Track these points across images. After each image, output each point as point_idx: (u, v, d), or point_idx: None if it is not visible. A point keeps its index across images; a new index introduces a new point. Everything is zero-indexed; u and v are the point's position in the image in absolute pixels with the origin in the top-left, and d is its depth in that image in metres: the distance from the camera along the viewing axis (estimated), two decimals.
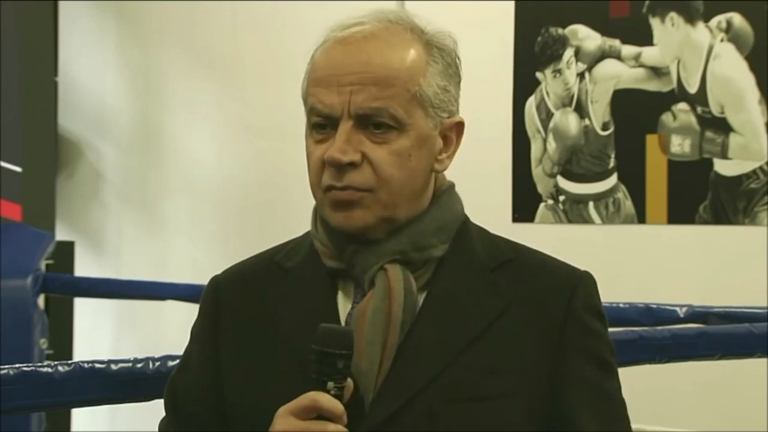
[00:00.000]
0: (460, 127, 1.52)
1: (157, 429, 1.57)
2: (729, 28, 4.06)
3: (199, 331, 1.57)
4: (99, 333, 5.56)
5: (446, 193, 1.53)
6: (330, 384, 1.35)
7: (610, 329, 1.57)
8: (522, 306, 1.47)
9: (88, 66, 5.70)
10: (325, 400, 1.35)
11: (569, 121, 4.37)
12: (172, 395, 1.57)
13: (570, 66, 4.37)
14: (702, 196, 4.10)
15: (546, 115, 4.41)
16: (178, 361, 1.94)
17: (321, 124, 1.46)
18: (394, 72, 1.44)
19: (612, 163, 4.28)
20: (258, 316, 1.52)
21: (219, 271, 1.62)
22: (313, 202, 1.51)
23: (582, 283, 1.51)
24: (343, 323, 1.46)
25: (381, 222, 1.46)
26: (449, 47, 1.51)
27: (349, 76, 1.44)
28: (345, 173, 1.44)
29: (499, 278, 1.49)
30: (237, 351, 1.51)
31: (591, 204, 4.33)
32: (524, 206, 4.45)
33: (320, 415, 1.35)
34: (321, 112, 1.45)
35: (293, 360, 1.44)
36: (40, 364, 1.97)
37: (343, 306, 1.49)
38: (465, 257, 1.50)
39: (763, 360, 2.83)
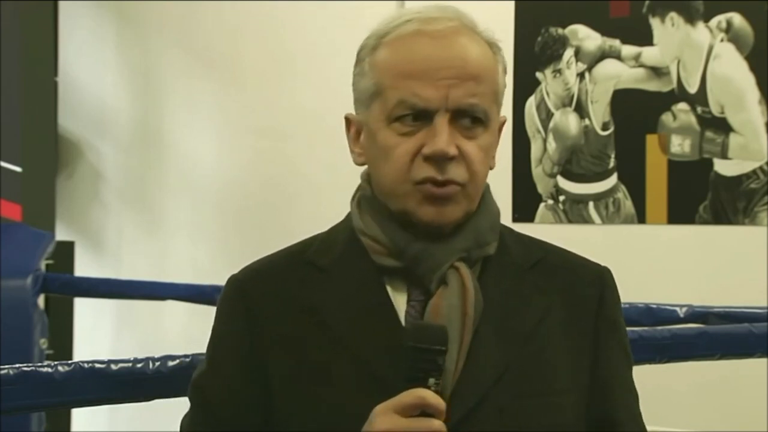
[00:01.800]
0: (503, 125, 1.53)
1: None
2: (729, 28, 4.06)
3: (227, 334, 1.50)
4: (99, 333, 5.56)
5: (487, 191, 1.54)
6: (431, 380, 1.34)
7: None
8: (560, 304, 1.49)
9: (88, 66, 5.70)
10: (430, 396, 1.33)
11: (569, 121, 4.37)
12: (204, 402, 1.50)
13: (570, 66, 4.36)
14: (702, 196, 4.10)
15: (546, 115, 4.41)
16: (178, 361, 1.94)
17: (404, 116, 1.43)
18: (486, 70, 1.45)
19: (612, 163, 4.28)
20: (301, 318, 1.46)
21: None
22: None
23: (607, 279, 1.55)
24: (402, 322, 1.44)
25: (464, 217, 1.46)
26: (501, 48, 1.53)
27: (446, 70, 1.42)
28: (447, 167, 1.42)
29: (536, 277, 1.50)
30: (284, 354, 1.45)
31: (591, 204, 4.33)
32: (524, 206, 4.45)
33: (423, 411, 1.34)
34: (416, 105, 1.43)
35: (353, 362, 1.42)
36: (40, 364, 1.96)
37: (397, 305, 1.46)
38: (506, 256, 1.51)
39: (763, 360, 2.83)
